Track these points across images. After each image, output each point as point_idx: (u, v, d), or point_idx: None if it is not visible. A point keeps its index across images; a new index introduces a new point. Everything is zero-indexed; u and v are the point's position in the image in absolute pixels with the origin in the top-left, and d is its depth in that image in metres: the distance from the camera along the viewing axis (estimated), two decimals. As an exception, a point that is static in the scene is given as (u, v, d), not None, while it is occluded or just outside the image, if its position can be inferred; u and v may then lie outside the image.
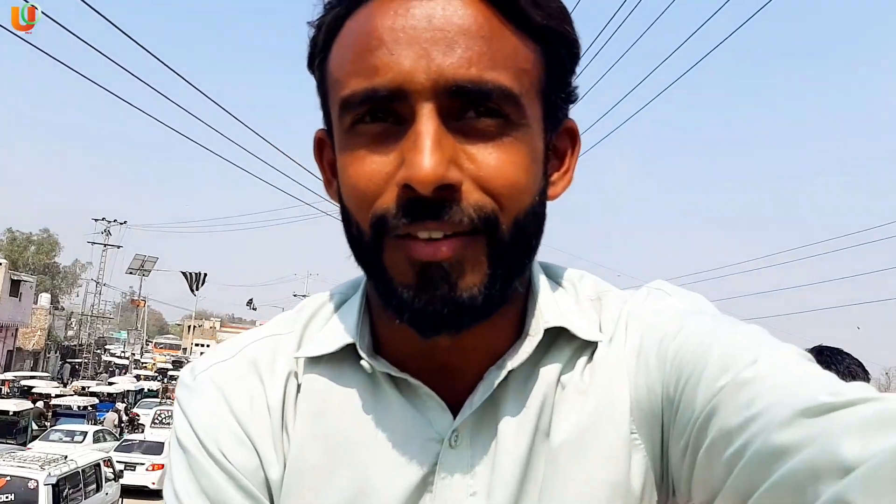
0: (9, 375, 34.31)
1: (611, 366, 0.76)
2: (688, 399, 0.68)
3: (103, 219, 60.05)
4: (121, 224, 60.38)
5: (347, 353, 0.79)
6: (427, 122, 0.67)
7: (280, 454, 0.79)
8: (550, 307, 0.79)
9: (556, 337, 0.78)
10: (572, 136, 0.81)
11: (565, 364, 0.78)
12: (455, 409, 0.77)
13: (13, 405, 22.37)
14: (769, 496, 0.58)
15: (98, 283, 59.34)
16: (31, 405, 23.76)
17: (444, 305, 0.69)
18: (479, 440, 0.76)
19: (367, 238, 0.72)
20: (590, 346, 0.78)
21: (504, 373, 0.75)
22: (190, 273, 57.93)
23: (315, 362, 0.81)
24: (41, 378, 35.93)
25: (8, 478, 11.03)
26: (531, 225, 0.73)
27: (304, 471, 0.78)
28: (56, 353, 51.37)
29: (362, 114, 0.70)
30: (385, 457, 0.77)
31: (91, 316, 59.52)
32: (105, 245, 58.96)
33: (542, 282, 0.82)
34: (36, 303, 47.20)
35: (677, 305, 0.79)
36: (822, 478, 0.54)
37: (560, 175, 0.80)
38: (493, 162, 0.68)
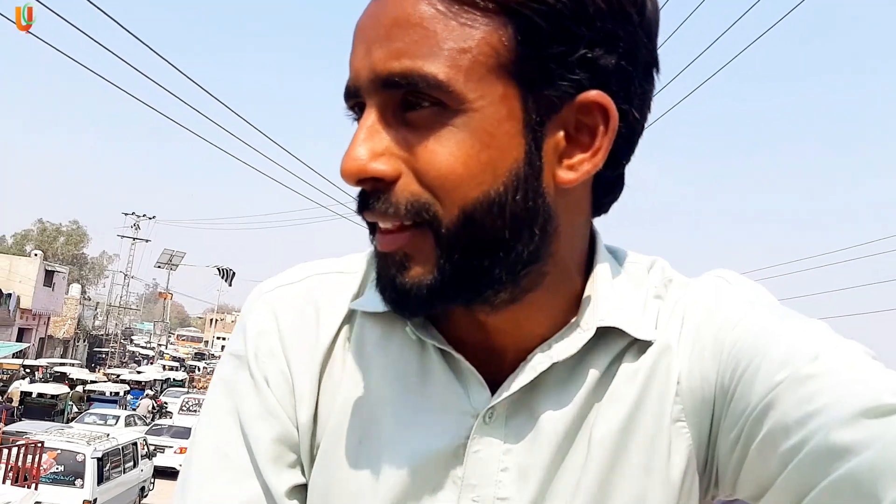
0: (42, 362, 35.94)
1: (662, 357, 0.74)
2: (743, 391, 0.67)
3: (133, 213, 61.91)
4: (149, 219, 62.32)
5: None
6: (366, 116, 0.69)
7: (313, 394, 0.79)
8: (608, 301, 0.75)
9: (610, 330, 0.75)
10: (603, 111, 0.69)
11: (615, 356, 0.75)
12: (494, 387, 0.76)
13: (53, 389, 24.04)
14: (826, 496, 0.57)
15: (126, 275, 61.32)
16: (69, 390, 25.42)
17: (394, 292, 0.71)
18: (516, 420, 0.75)
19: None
20: (644, 342, 0.75)
21: (549, 362, 0.74)
22: (220, 268, 59.80)
23: (369, 315, 0.81)
24: (72, 365, 37.55)
25: (59, 451, 12.41)
26: (491, 216, 0.67)
27: (339, 422, 0.79)
28: (84, 341, 53.14)
29: (352, 110, 0.74)
30: (421, 422, 0.76)
31: (119, 307, 61.38)
32: (134, 239, 60.86)
33: (604, 270, 0.77)
34: (67, 293, 48.95)
35: (739, 295, 0.76)
36: (884, 481, 0.53)
37: (586, 157, 0.70)
38: (427, 153, 0.66)
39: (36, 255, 44.79)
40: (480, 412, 0.75)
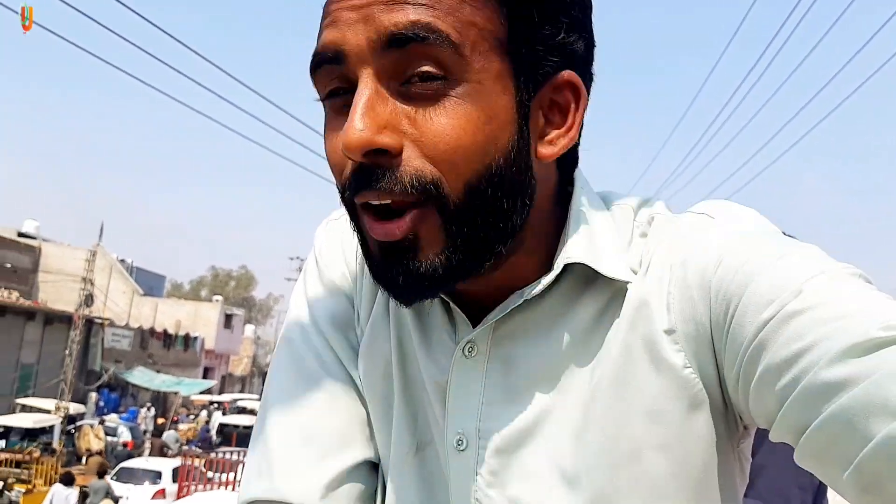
0: (226, 397, 39.70)
1: (643, 302, 0.73)
2: (736, 330, 0.67)
3: (297, 257, 66.43)
4: (311, 262, 66.59)
5: None
6: (363, 87, 0.67)
7: (366, 303, 0.89)
8: (579, 242, 0.75)
9: (595, 273, 0.75)
10: (574, 90, 0.74)
11: (604, 304, 0.76)
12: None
13: (246, 420, 27.06)
14: (821, 433, 0.58)
15: (293, 315, 65.70)
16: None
17: (405, 278, 0.70)
18: (499, 356, 0.77)
19: (346, 208, 0.75)
20: (627, 288, 0.75)
21: (520, 299, 0.75)
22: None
23: None
24: (251, 399, 41.13)
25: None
26: (493, 189, 0.69)
27: (371, 331, 0.87)
28: (259, 378, 57.42)
29: (326, 87, 0.72)
30: (427, 353, 0.82)
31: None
32: (298, 281, 65.23)
33: (578, 216, 0.78)
34: (243, 333, 53.34)
35: (720, 230, 0.74)
36: (874, 416, 0.53)
37: (561, 132, 0.74)
38: (433, 125, 0.66)
39: (217, 300, 49.39)
40: (460, 345, 0.78)
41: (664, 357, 0.72)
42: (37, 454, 19.25)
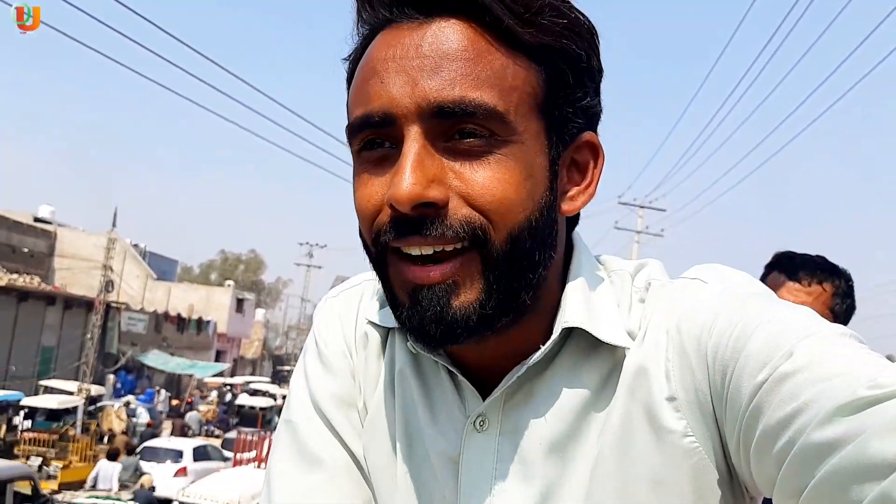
0: (238, 379, 40.66)
1: (642, 369, 0.75)
2: (733, 396, 0.67)
3: (307, 242, 67.31)
4: (321, 247, 67.62)
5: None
6: (411, 143, 0.70)
7: (364, 376, 0.90)
8: (577, 308, 0.78)
9: (596, 340, 0.77)
10: (594, 150, 0.79)
11: (607, 370, 0.77)
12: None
13: (263, 402, 28.08)
14: (817, 494, 0.58)
15: (303, 299, 66.74)
16: (275, 402, 29.50)
17: (437, 325, 0.72)
18: (509, 428, 0.78)
19: (373, 254, 0.77)
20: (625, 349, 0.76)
21: (524, 368, 0.76)
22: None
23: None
24: (263, 381, 42.12)
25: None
26: (530, 240, 0.73)
27: (376, 412, 0.88)
28: (269, 360, 58.52)
29: (364, 140, 0.75)
30: (434, 427, 0.83)
31: (297, 328, 66.93)
32: (308, 266, 66.25)
33: (579, 284, 0.80)
34: (254, 317, 54.28)
35: (712, 294, 0.76)
36: (865, 476, 0.53)
37: (580, 189, 0.79)
38: (480, 179, 0.70)
39: (229, 285, 50.33)
40: (471, 418, 0.80)
41: (665, 425, 0.73)
42: (73, 432, 20.37)
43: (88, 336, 28.45)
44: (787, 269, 2.03)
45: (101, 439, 21.64)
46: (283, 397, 33.98)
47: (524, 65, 0.74)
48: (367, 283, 0.95)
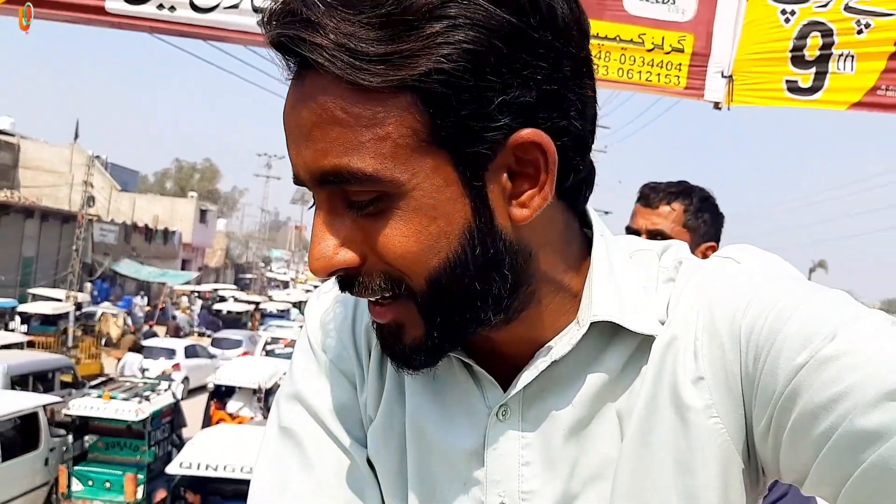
0: (206, 287, 42.79)
1: (669, 351, 0.72)
2: (767, 377, 0.65)
3: (265, 154, 68.53)
4: (280, 158, 68.84)
5: None
6: (317, 209, 0.70)
7: (366, 375, 0.87)
8: (605, 296, 0.74)
9: (619, 327, 0.74)
10: (538, 147, 0.68)
11: (630, 352, 0.74)
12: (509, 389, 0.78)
13: (241, 307, 31.01)
14: (863, 483, 0.57)
15: (263, 209, 68.53)
16: (252, 307, 32.39)
17: (398, 355, 0.75)
18: (532, 416, 0.76)
19: None
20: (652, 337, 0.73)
21: (549, 360, 0.74)
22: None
23: None
24: (229, 289, 44.38)
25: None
26: (459, 279, 0.69)
27: (384, 411, 0.84)
28: (232, 269, 60.40)
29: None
30: (449, 422, 0.80)
31: (259, 239, 68.72)
32: (268, 177, 67.63)
33: (601, 265, 0.76)
34: (216, 228, 55.91)
35: (746, 274, 0.73)
36: None
37: (535, 192, 0.70)
38: (381, 238, 0.68)
39: (192, 196, 51.72)
40: (493, 410, 0.78)
41: (690, 405, 0.71)
42: (78, 333, 22.80)
43: (74, 248, 30.16)
44: (643, 197, 2.12)
45: (98, 341, 23.91)
46: (251, 303, 36.98)
47: (391, 105, 0.64)
48: None
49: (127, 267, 37.60)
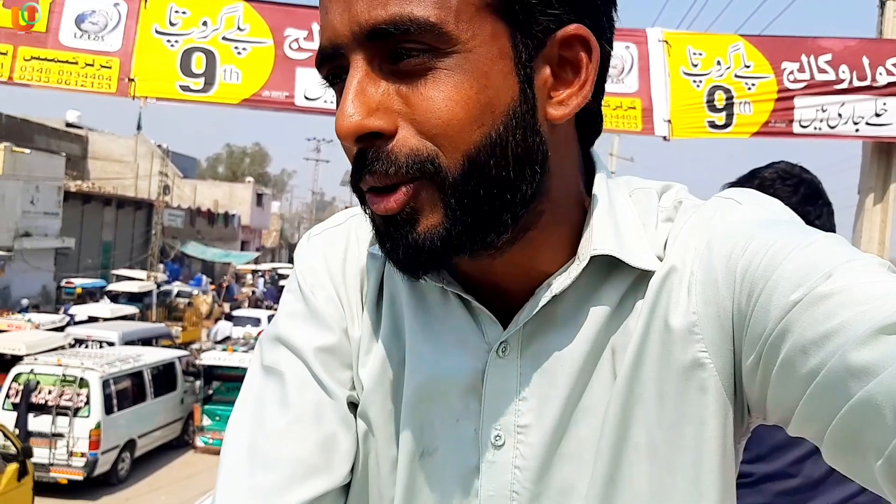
0: (265, 266, 45.59)
1: (664, 287, 0.72)
2: (759, 314, 0.65)
3: (314, 138, 71.12)
4: (328, 142, 71.43)
5: None
6: (353, 71, 0.66)
7: (359, 316, 0.85)
8: (605, 230, 0.74)
9: (617, 263, 0.74)
10: (585, 45, 0.69)
11: (626, 290, 0.74)
12: (508, 324, 0.77)
13: None
14: (850, 419, 0.56)
15: (314, 192, 71.28)
16: None
17: (404, 251, 0.69)
18: (530, 353, 0.76)
19: (356, 193, 0.73)
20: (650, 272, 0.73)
21: (549, 295, 0.73)
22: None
23: None
24: (287, 267, 47.07)
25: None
26: (495, 158, 0.66)
27: (379, 349, 0.83)
28: (286, 248, 63.33)
29: (326, 75, 0.72)
30: (445, 357, 0.79)
31: (308, 220, 71.64)
32: (317, 161, 70.32)
33: (602, 201, 0.76)
34: (271, 210, 58.82)
35: (747, 215, 0.73)
36: None
37: (573, 91, 0.70)
38: (424, 101, 0.65)
39: (249, 181, 54.63)
40: (493, 346, 0.77)
41: (679, 339, 0.71)
42: (182, 305, 26.47)
43: (153, 232, 33.12)
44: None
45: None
46: None
47: None
48: (353, 220, 0.89)
49: (194, 249, 40.50)
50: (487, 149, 0.67)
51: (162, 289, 30.08)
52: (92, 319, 20.79)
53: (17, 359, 13.41)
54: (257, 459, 0.78)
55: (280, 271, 43.43)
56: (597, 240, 0.74)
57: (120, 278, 30.36)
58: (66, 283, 27.72)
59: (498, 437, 0.77)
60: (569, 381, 0.75)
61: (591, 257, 0.74)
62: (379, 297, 0.85)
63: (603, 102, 0.79)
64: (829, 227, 1.78)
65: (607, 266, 0.75)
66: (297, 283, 0.87)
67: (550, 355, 0.76)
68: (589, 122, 0.77)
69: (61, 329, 17.20)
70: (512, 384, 0.77)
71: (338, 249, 0.88)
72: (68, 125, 42.66)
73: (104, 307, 23.17)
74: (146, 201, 37.87)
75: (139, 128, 44.53)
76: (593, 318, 0.75)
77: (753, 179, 1.81)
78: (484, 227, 0.69)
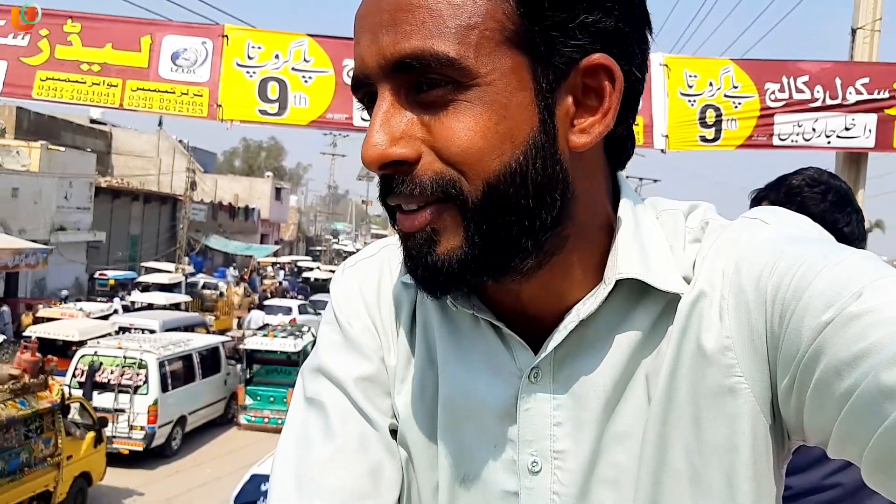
0: (285, 259, 46.85)
1: (695, 310, 0.72)
2: (791, 336, 0.64)
3: (330, 133, 71.56)
4: (344, 137, 72.23)
5: None
6: (379, 100, 0.69)
7: (394, 344, 0.86)
8: (630, 254, 0.74)
9: (648, 288, 0.74)
10: (609, 73, 0.70)
11: (657, 312, 0.74)
12: (538, 350, 0.77)
13: (326, 275, 35.24)
14: (886, 439, 0.56)
15: (329, 186, 72.39)
16: (332, 274, 37.14)
17: (425, 270, 0.72)
18: (562, 377, 0.76)
19: (387, 211, 0.76)
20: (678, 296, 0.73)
21: (577, 319, 0.74)
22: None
23: None
24: (305, 259, 48.42)
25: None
26: (514, 187, 0.68)
27: (414, 378, 0.84)
28: (304, 241, 64.60)
29: (361, 101, 0.75)
30: (478, 384, 0.79)
31: (323, 213, 72.80)
32: (333, 155, 71.21)
33: (627, 224, 0.76)
34: (289, 204, 60.00)
35: (774, 234, 0.72)
36: None
37: (596, 119, 0.71)
38: (445, 130, 0.67)
39: (268, 175, 55.80)
40: (525, 371, 0.77)
41: (714, 363, 0.71)
42: (214, 296, 27.90)
43: (181, 226, 34.34)
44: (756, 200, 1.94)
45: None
46: (332, 271, 41.13)
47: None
48: (385, 251, 0.92)
49: (216, 241, 41.68)
50: (507, 177, 0.68)
51: (189, 280, 31.32)
52: (149, 306, 23.31)
53: (68, 344, 14.89)
54: (305, 489, 0.79)
55: (300, 263, 44.72)
56: (622, 263, 0.74)
57: (149, 271, 31.51)
58: (100, 274, 28.88)
59: (535, 463, 0.77)
60: (602, 406, 0.75)
61: (619, 281, 0.74)
62: (412, 326, 0.87)
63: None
64: (859, 234, 1.74)
65: (638, 290, 0.75)
66: (333, 314, 0.89)
67: (583, 381, 0.76)
68: (617, 147, 0.78)
69: (106, 318, 18.71)
70: (546, 409, 0.77)
71: (372, 280, 0.90)
72: (92, 121, 43.72)
73: (160, 295, 25.22)
74: (171, 196, 39.07)
75: (160, 124, 45.66)
76: (624, 343, 0.75)
77: (781, 187, 1.80)
78: (503, 252, 0.71)
